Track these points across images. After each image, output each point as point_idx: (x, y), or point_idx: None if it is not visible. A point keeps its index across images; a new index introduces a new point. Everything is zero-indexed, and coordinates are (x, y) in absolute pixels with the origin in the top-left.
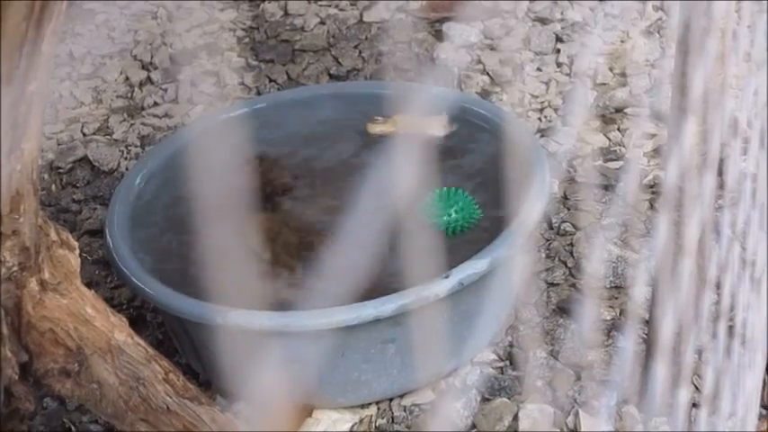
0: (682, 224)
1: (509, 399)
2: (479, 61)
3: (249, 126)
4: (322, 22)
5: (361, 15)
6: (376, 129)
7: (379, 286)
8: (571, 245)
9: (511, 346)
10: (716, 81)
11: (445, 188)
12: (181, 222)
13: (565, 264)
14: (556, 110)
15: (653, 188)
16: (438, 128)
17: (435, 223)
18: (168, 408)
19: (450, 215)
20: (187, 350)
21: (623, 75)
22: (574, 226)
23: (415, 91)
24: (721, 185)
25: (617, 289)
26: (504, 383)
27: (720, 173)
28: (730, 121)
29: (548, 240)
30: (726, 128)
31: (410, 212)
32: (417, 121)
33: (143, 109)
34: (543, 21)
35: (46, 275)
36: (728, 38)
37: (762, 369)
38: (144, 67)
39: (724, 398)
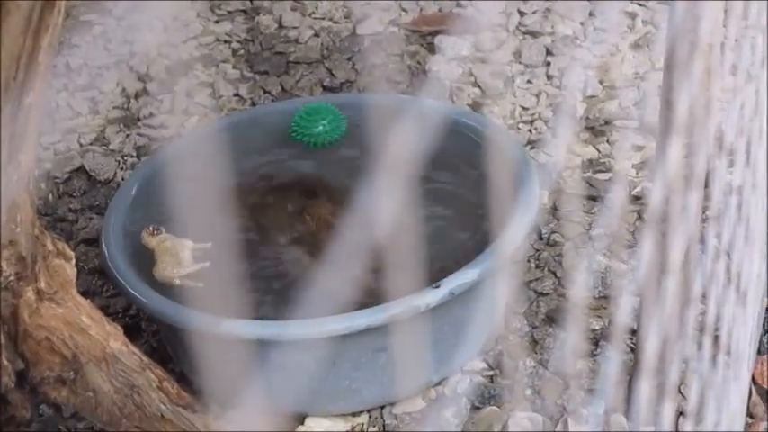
0: (668, 237)
1: (498, 407)
2: (471, 74)
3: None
4: (316, 35)
5: (354, 28)
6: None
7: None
8: (560, 255)
9: (500, 354)
10: (703, 96)
11: (313, 102)
12: (174, 231)
13: (554, 274)
14: (546, 122)
15: (641, 200)
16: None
17: (305, 137)
18: (162, 415)
19: (321, 126)
20: (181, 358)
21: (612, 87)
22: (563, 236)
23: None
24: (707, 198)
25: (605, 299)
26: (493, 392)
27: (707, 185)
28: (716, 134)
29: (537, 250)
30: (712, 141)
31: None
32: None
33: (139, 119)
34: (534, 34)
35: (42, 285)
36: (716, 53)
37: (747, 380)
38: (140, 78)
39: (710, 407)
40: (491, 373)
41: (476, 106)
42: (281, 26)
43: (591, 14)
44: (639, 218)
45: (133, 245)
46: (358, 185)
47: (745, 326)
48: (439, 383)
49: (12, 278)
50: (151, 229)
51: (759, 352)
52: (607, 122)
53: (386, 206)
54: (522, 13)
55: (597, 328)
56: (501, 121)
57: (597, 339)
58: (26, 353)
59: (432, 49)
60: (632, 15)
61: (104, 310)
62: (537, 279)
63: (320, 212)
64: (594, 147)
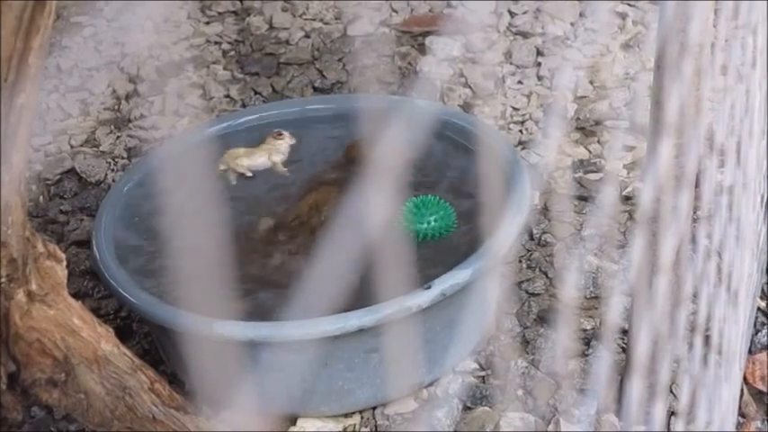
0: (659, 237)
1: (490, 407)
2: (462, 74)
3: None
4: (307, 36)
5: (345, 29)
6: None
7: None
8: (551, 255)
9: (492, 355)
10: (693, 96)
11: (423, 196)
12: (165, 233)
13: (545, 274)
14: (537, 122)
15: (632, 200)
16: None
17: (413, 231)
18: (154, 417)
19: (428, 223)
20: (173, 360)
21: (603, 88)
22: (554, 237)
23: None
24: (698, 197)
25: (596, 299)
26: (485, 392)
27: (697, 185)
28: (707, 134)
29: (528, 251)
30: (703, 141)
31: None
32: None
33: (130, 121)
34: (524, 35)
35: (33, 287)
36: (706, 53)
37: (739, 379)
38: (131, 79)
39: (701, 407)
40: (483, 373)
41: (467, 107)
42: (271, 27)
43: (581, 15)
44: (630, 218)
45: (124, 246)
46: (347, 186)
47: (736, 325)
48: (431, 384)
49: (2, 280)
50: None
51: (750, 351)
52: (598, 123)
53: (376, 206)
54: (512, 14)
55: (588, 328)
56: (492, 122)
57: (588, 339)
58: (17, 355)
59: (422, 49)
60: (622, 16)
61: (96, 311)
62: (528, 279)
63: (310, 213)
64: (585, 147)
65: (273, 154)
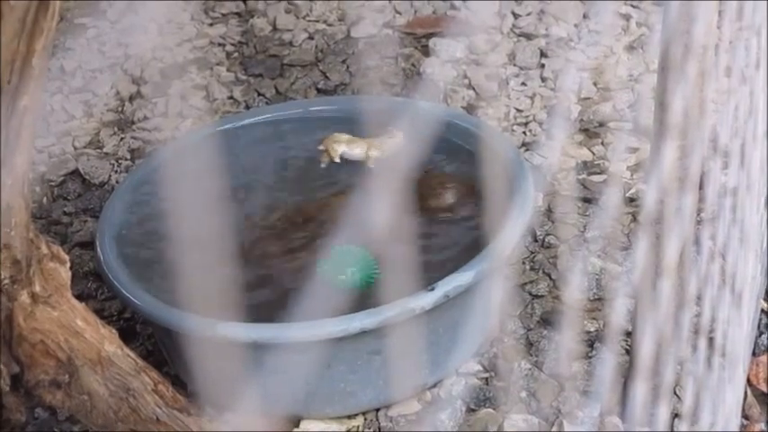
0: (662, 239)
1: (494, 409)
2: (465, 76)
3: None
4: (310, 38)
5: (348, 31)
6: (338, 149)
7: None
8: (555, 257)
9: (495, 357)
10: (697, 97)
11: (343, 246)
12: (169, 235)
13: (549, 276)
14: (540, 124)
15: (635, 201)
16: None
17: (333, 282)
18: (158, 418)
19: (348, 274)
20: (176, 361)
21: (607, 89)
22: (557, 238)
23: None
24: (702, 199)
25: (600, 301)
26: (488, 394)
27: (701, 186)
28: (711, 136)
29: (532, 253)
30: (707, 143)
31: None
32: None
33: (133, 123)
34: (528, 36)
35: (37, 288)
36: (710, 55)
37: (742, 381)
38: (134, 81)
39: (705, 409)
40: (486, 375)
41: (470, 108)
42: (275, 29)
43: (585, 16)
44: (634, 220)
45: (127, 248)
46: (354, 187)
47: (740, 327)
48: (434, 386)
49: (6, 281)
50: None
51: (754, 353)
52: (601, 124)
53: (381, 208)
54: (516, 16)
55: (592, 330)
56: (495, 124)
57: (592, 341)
58: (21, 356)
59: (426, 51)
60: (626, 17)
61: (99, 313)
62: (532, 281)
63: (316, 213)
64: (589, 149)
65: (373, 148)
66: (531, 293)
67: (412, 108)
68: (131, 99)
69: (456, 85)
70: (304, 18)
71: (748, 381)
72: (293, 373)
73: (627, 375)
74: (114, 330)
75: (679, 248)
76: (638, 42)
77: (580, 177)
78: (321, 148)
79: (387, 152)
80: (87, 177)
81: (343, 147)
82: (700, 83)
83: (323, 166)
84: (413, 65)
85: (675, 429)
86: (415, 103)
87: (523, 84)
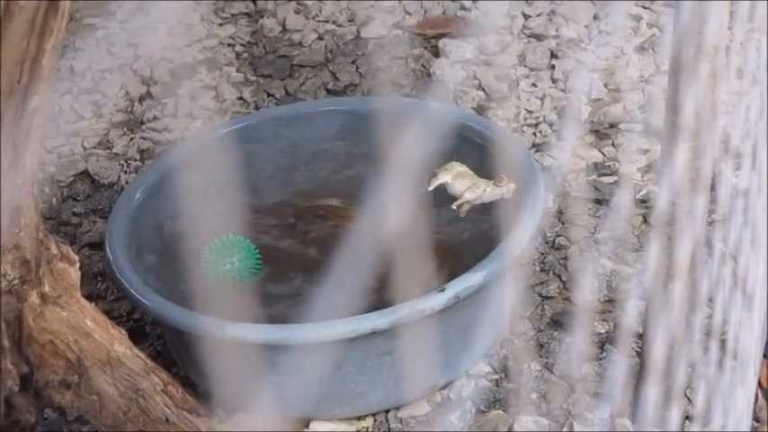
0: (674, 241)
1: (504, 411)
2: (475, 77)
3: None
4: (320, 38)
5: (358, 31)
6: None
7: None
8: (565, 258)
9: (506, 358)
10: (708, 99)
11: (225, 236)
12: (179, 235)
13: (559, 277)
14: (551, 125)
15: (646, 203)
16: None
17: (215, 273)
18: (167, 419)
19: (231, 264)
20: (186, 362)
21: (617, 91)
22: (568, 240)
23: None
24: (713, 201)
25: (611, 303)
26: (498, 396)
27: (713, 188)
28: (722, 137)
29: (542, 254)
30: (718, 144)
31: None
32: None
33: (143, 123)
34: (538, 37)
35: (46, 288)
36: (721, 56)
37: (753, 383)
38: (144, 81)
39: (716, 411)
40: (496, 376)
41: (480, 109)
42: (284, 29)
43: (596, 17)
44: (645, 221)
45: (137, 248)
46: (366, 188)
47: (751, 329)
48: (444, 387)
49: (16, 282)
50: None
51: (765, 356)
52: (612, 125)
53: (393, 209)
54: (526, 16)
55: (603, 331)
56: (505, 125)
57: (603, 343)
58: (30, 357)
59: (436, 52)
60: (637, 18)
61: (109, 313)
62: (542, 282)
63: (327, 214)
64: (599, 150)
65: (472, 191)
66: (541, 295)
67: (422, 109)
68: (141, 100)
69: (466, 85)
70: (314, 18)
71: (759, 383)
72: (303, 374)
73: (638, 377)
74: (124, 331)
75: (690, 250)
76: (648, 43)
77: (591, 179)
78: (435, 170)
79: (485, 198)
80: (96, 178)
81: (447, 178)
82: (711, 84)
83: (429, 189)
84: (423, 66)
85: (686, 431)
86: (425, 104)
87: (534, 85)
